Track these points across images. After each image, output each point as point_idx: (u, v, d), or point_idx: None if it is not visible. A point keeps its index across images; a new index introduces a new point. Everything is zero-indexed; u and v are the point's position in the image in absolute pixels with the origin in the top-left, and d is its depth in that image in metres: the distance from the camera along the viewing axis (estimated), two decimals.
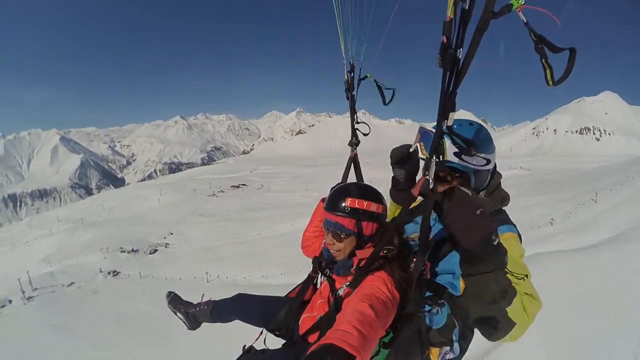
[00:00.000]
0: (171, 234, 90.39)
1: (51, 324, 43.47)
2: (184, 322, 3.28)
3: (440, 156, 1.68)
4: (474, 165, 2.16)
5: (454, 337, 2.24)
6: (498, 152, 2.26)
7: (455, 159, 2.07)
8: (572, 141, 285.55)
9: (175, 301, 3.37)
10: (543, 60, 1.31)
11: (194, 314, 3.20)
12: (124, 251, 76.60)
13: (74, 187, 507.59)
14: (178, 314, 3.30)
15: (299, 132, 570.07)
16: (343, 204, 2.16)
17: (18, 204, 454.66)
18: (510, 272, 1.94)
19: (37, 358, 35.69)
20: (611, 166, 76.89)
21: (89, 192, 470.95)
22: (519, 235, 2.24)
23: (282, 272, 57.29)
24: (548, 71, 1.30)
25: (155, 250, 79.15)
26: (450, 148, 1.91)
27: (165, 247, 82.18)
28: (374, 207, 2.18)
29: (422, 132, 2.16)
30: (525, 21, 1.28)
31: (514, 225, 2.26)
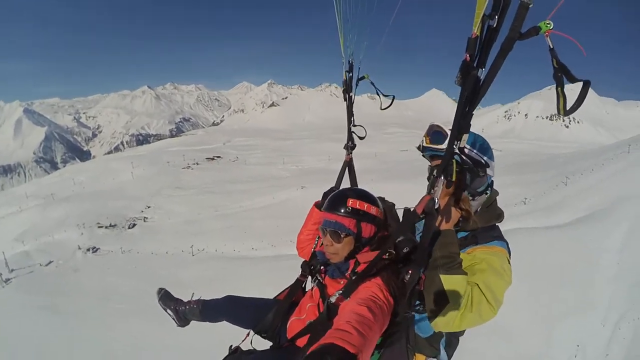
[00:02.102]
0: (148, 207, 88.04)
1: (35, 305, 41.86)
2: (173, 319, 3.42)
3: (449, 177, 1.75)
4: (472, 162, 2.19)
5: (441, 346, 2.43)
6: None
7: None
8: (542, 126, 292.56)
9: (165, 298, 3.50)
10: (559, 88, 1.31)
11: (184, 312, 3.34)
12: (101, 226, 74.31)
13: (39, 162, 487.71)
14: (168, 310, 3.43)
15: (272, 105, 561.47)
16: (344, 204, 2.24)
17: None
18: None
19: (32, 342, 34.24)
20: (581, 152, 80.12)
21: (55, 167, 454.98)
22: (509, 252, 2.27)
23: (271, 244, 57.19)
24: (562, 100, 1.30)
25: (134, 225, 77.12)
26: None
27: (144, 221, 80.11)
28: (373, 210, 2.29)
29: (433, 131, 2.28)
30: (551, 47, 1.25)
31: (506, 242, 2.31)
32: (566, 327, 15.73)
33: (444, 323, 1.99)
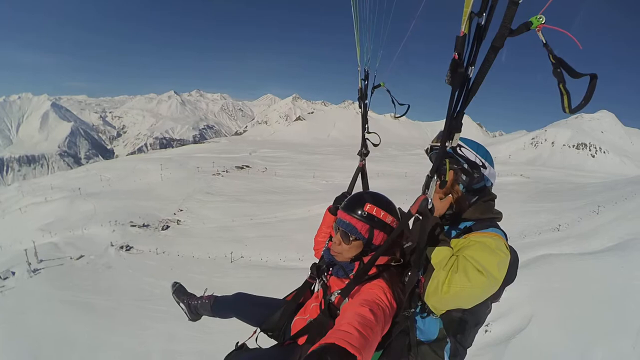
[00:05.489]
0: (181, 210, 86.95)
1: (65, 300, 39.80)
2: (185, 313, 3.37)
3: (442, 176, 1.79)
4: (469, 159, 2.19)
5: (445, 354, 2.27)
6: (498, 158, 2.19)
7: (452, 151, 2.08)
8: (568, 155, 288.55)
9: (179, 292, 3.49)
10: (561, 85, 1.24)
11: (196, 307, 3.31)
12: (134, 225, 73.02)
13: (63, 155, 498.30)
14: (181, 304, 3.41)
15: (298, 119, 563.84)
16: (361, 207, 2.17)
17: (4, 168, 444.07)
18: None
19: (56, 335, 32.17)
20: (610, 183, 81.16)
21: (78, 162, 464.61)
22: (507, 243, 2.14)
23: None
24: (565, 97, 1.23)
25: (167, 227, 75.80)
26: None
27: (177, 223, 78.84)
28: (389, 219, 2.19)
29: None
30: (544, 42, 1.21)
31: (503, 232, 2.21)
32: (599, 351, 14.24)
33: (433, 289, 1.91)
